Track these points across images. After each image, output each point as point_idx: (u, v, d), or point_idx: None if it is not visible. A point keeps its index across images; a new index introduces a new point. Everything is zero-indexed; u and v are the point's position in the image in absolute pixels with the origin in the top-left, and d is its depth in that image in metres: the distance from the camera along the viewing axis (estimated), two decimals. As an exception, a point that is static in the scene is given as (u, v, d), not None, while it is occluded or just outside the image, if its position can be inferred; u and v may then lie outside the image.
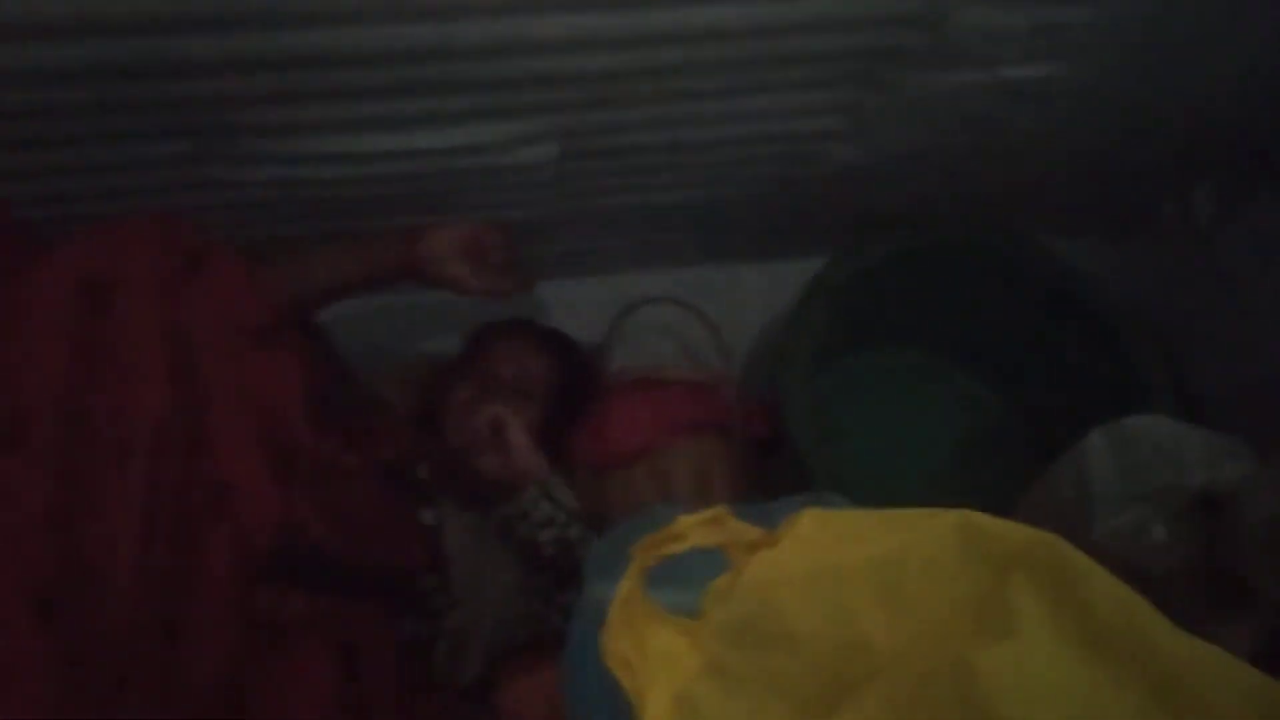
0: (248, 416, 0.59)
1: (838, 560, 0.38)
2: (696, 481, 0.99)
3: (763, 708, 0.34)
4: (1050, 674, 0.33)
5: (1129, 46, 0.80)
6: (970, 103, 0.85)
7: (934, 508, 0.39)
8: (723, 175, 0.98)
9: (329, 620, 0.57)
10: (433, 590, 0.82)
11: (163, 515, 0.52)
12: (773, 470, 1.05)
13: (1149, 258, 1.16)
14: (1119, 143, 0.97)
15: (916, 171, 0.99)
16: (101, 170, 0.78)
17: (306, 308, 0.76)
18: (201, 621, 0.54)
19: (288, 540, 0.56)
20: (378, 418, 0.84)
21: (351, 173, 0.85)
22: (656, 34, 0.71)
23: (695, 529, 0.42)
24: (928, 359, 1.20)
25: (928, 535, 0.37)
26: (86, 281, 0.54)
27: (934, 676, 0.32)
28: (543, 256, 1.11)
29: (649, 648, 0.39)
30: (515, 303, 0.97)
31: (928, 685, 0.32)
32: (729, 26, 0.71)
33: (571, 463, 1.00)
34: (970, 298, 1.12)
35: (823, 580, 0.37)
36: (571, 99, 0.79)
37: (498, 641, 0.83)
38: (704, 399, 1.04)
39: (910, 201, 1.05)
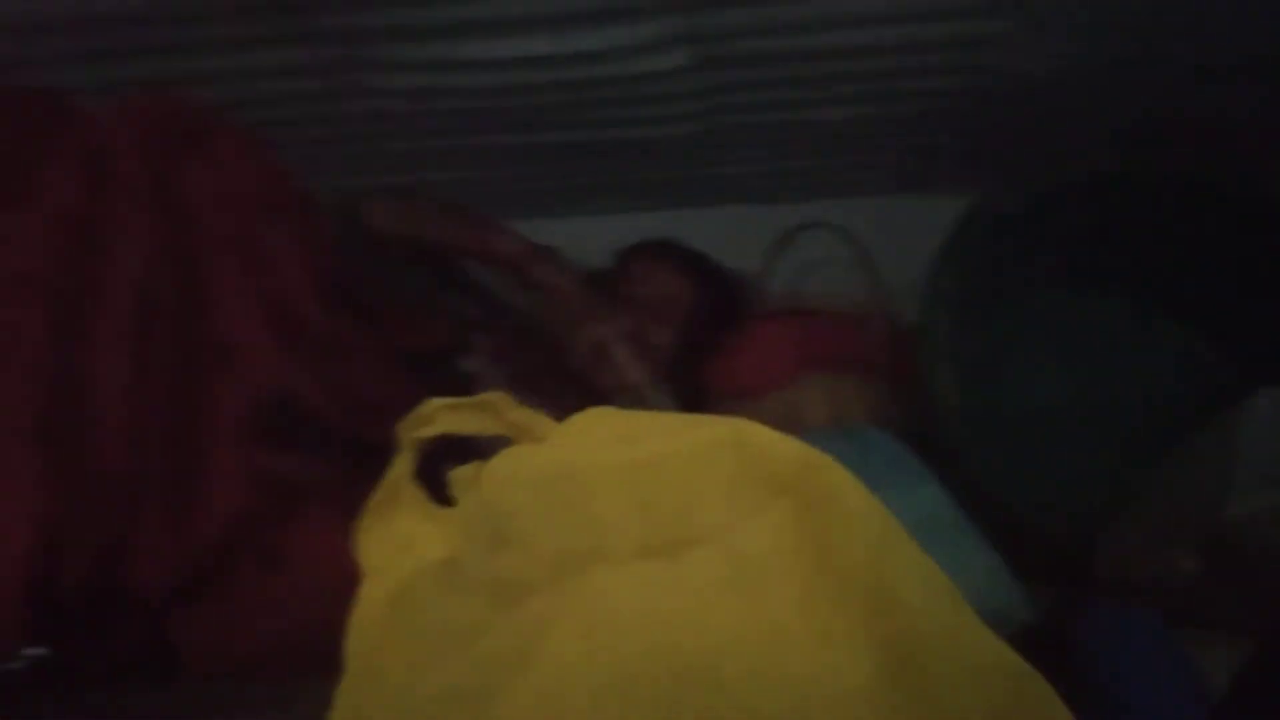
0: (251, 285, 0.61)
1: (591, 460, 0.33)
2: (831, 420, 0.94)
3: (481, 614, 0.31)
4: (784, 622, 0.27)
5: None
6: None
7: (724, 418, 0.34)
8: (878, 90, 0.89)
9: (339, 489, 0.57)
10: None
11: (156, 368, 0.55)
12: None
13: None
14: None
15: (1105, 88, 0.85)
16: (240, 77, 0.83)
17: (402, 246, 0.83)
18: (209, 474, 0.57)
19: (290, 405, 0.58)
20: (416, 310, 0.86)
21: (482, 82, 0.85)
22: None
23: (446, 412, 0.39)
24: (1130, 305, 1.04)
25: (698, 445, 0.32)
26: (88, 152, 0.58)
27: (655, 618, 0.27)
28: (692, 180, 1.08)
29: (393, 531, 0.36)
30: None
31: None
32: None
33: (708, 389, 0.98)
34: (1185, 238, 0.96)
35: (568, 480, 0.33)
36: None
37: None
38: (850, 334, 0.97)
39: (1092, 126, 0.90)
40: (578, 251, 1.14)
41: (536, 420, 0.39)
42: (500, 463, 0.35)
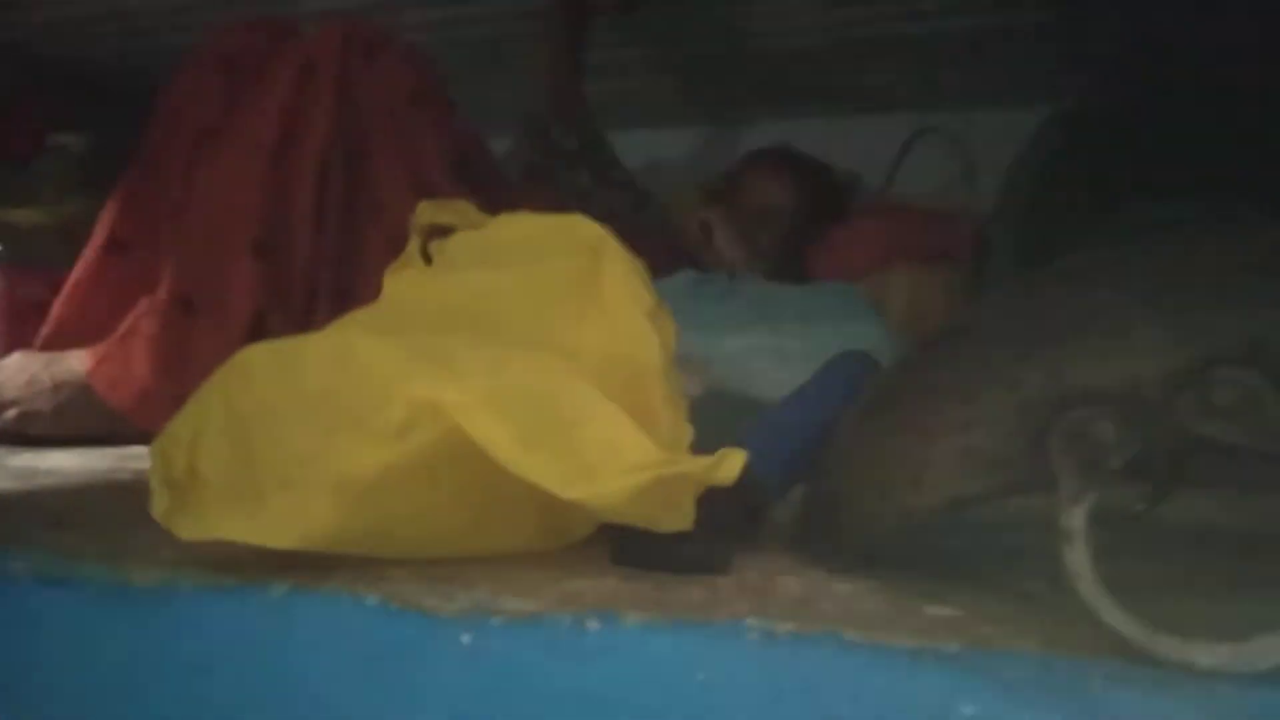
0: (398, 159, 0.80)
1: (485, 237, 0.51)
2: (911, 308, 0.97)
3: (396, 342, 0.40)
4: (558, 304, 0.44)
5: None
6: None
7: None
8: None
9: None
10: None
11: (331, 211, 0.78)
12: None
13: None
14: None
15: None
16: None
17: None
18: (364, 289, 0.73)
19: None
20: (524, 192, 0.95)
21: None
22: None
23: (436, 210, 0.55)
24: (1211, 215, 1.02)
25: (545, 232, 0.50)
26: (301, 59, 0.79)
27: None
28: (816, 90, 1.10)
29: (400, 275, 0.53)
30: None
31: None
32: None
33: (808, 275, 1.05)
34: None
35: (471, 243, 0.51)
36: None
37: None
38: (937, 232, 1.01)
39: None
40: (708, 159, 1.22)
41: (484, 219, 0.54)
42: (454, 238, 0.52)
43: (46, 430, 0.76)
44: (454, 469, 0.35)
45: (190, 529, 0.34)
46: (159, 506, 0.34)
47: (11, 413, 0.75)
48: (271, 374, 0.37)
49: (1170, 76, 0.92)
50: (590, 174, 1.10)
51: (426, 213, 0.54)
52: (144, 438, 0.74)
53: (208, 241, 0.76)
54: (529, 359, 0.38)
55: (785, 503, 0.44)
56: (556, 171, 1.05)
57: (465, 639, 0.31)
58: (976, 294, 0.95)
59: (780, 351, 0.73)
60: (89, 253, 0.83)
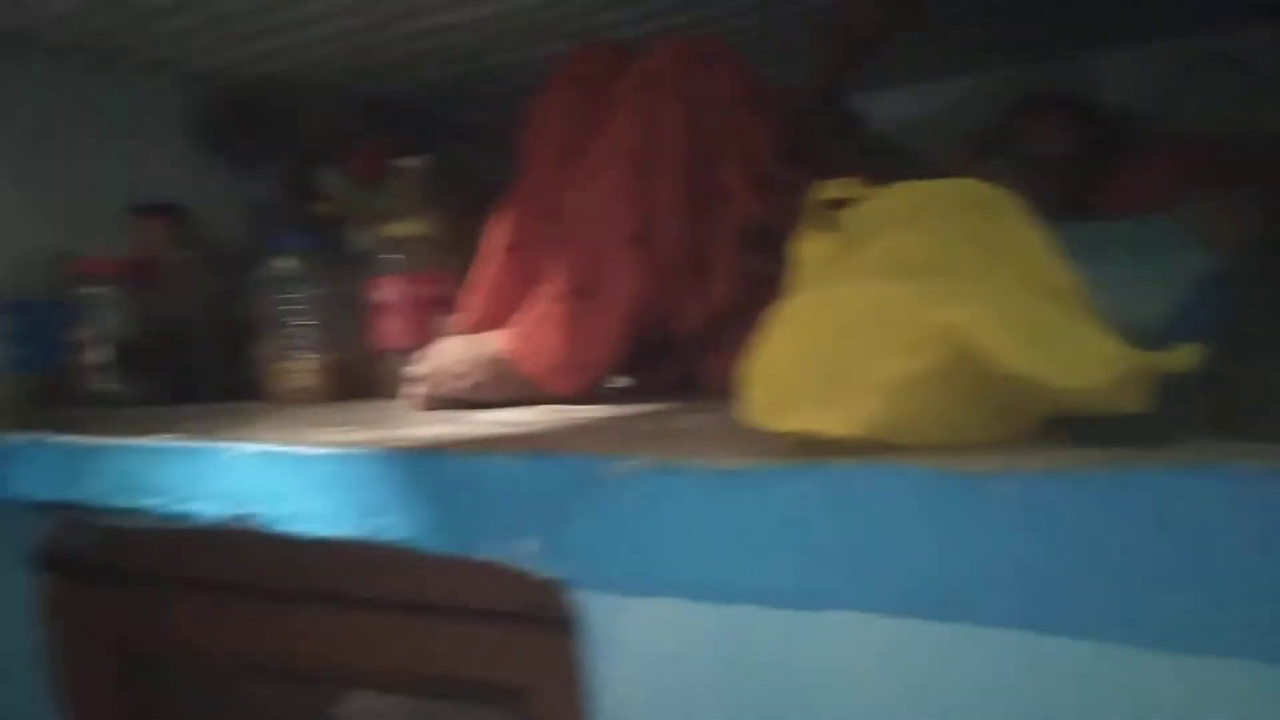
0: (738, 153, 0.93)
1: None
2: (1229, 235, 0.99)
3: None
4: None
5: None
6: None
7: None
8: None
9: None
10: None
11: (693, 201, 0.92)
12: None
13: None
14: None
15: None
16: None
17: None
18: (720, 264, 0.93)
19: (763, 228, 0.88)
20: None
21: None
22: None
23: (827, 187, 0.65)
24: None
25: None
26: (646, 72, 0.94)
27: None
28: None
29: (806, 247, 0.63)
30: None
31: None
32: None
33: (1097, 213, 1.09)
34: None
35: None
36: None
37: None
38: (1233, 160, 1.01)
39: None
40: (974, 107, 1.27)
41: (872, 191, 0.63)
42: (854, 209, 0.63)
43: (484, 396, 0.95)
44: (960, 375, 0.47)
45: (781, 422, 0.48)
46: (762, 410, 0.49)
47: (466, 383, 0.94)
48: (820, 312, 0.50)
49: None
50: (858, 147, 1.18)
51: (821, 189, 0.65)
52: (547, 399, 0.95)
53: (593, 239, 0.93)
54: (997, 290, 0.49)
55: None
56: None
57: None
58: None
59: (1120, 282, 0.80)
60: (496, 254, 1.04)
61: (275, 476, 0.66)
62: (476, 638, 0.69)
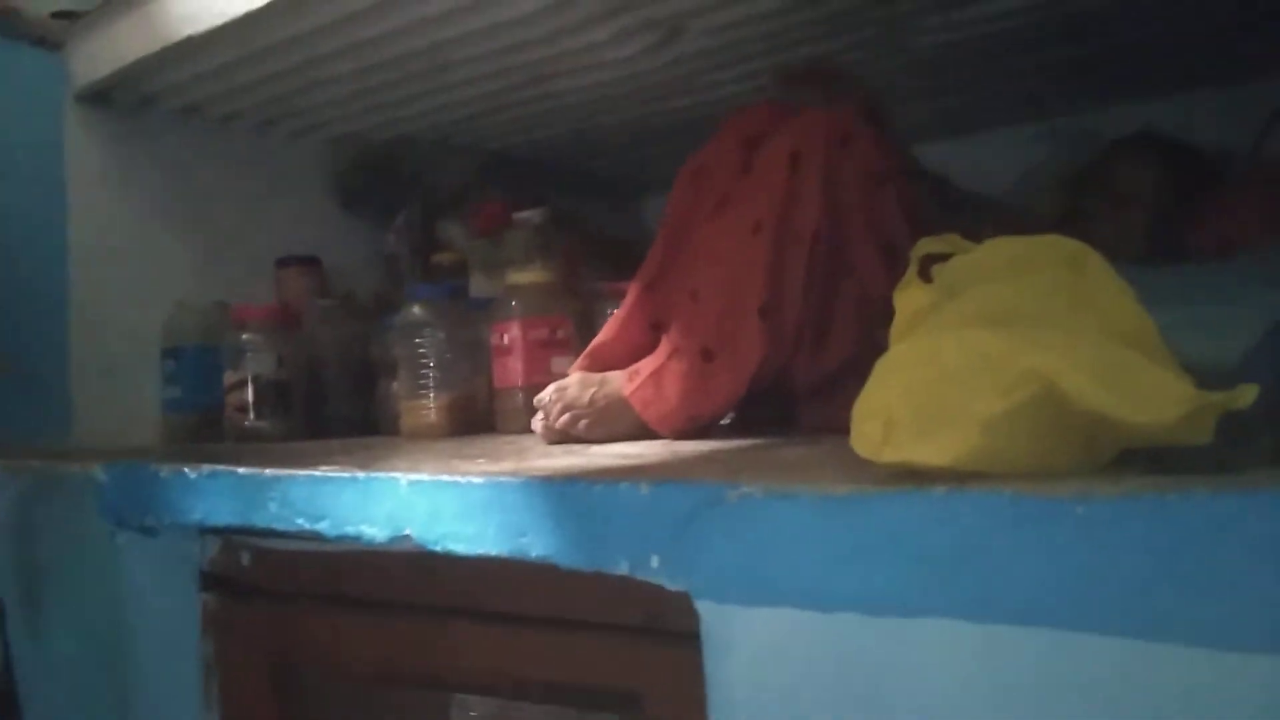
0: (867, 229, 1.00)
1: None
2: None
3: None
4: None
5: None
6: None
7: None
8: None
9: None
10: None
11: (817, 273, 0.99)
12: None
13: None
14: None
15: None
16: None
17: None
18: (838, 329, 1.01)
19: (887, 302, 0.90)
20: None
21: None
22: None
23: (929, 242, 0.70)
24: None
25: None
26: (789, 151, 1.00)
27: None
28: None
29: (908, 296, 0.69)
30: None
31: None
32: None
33: (1189, 250, 1.15)
34: None
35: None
36: None
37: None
38: None
39: None
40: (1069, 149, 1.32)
41: (972, 246, 0.69)
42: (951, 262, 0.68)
43: (600, 434, 1.04)
44: (1046, 412, 0.53)
45: (890, 455, 0.55)
46: (870, 443, 0.56)
47: (586, 420, 1.03)
48: (924, 357, 0.57)
49: None
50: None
51: (923, 245, 0.71)
52: (657, 437, 1.04)
53: (723, 305, 1.01)
54: (1080, 337, 0.55)
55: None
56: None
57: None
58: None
59: (1204, 324, 0.84)
60: (631, 290, 1.13)
61: (431, 501, 0.75)
62: (602, 648, 0.77)
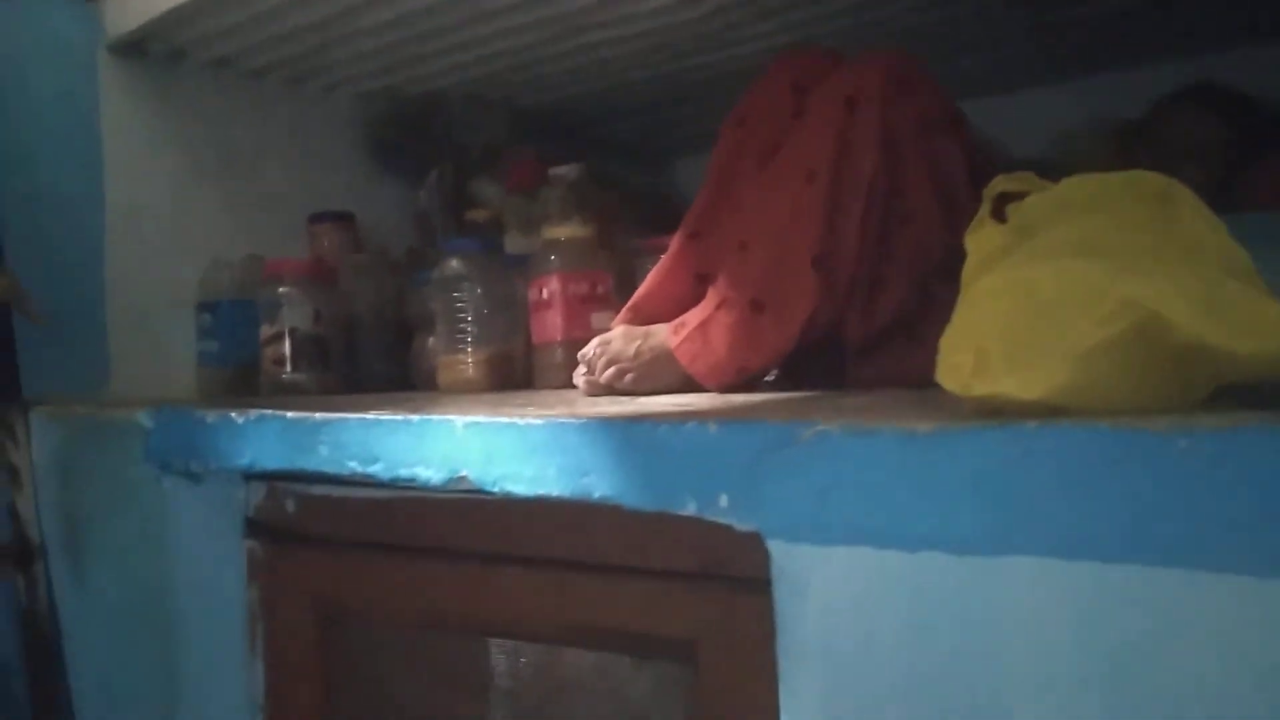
0: (927, 176, 0.96)
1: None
2: None
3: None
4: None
5: None
6: None
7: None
8: None
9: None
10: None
11: (873, 222, 0.96)
12: None
13: None
14: None
15: None
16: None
17: None
18: (893, 281, 0.97)
19: (947, 253, 0.86)
20: None
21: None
22: None
23: (1005, 181, 0.68)
24: None
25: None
26: (845, 95, 0.96)
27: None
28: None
29: (982, 234, 0.66)
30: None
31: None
32: None
33: (1255, 203, 1.13)
34: None
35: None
36: None
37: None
38: None
39: None
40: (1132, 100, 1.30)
41: (1048, 184, 0.67)
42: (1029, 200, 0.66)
43: (645, 386, 1.03)
44: (1142, 344, 0.51)
45: (980, 387, 0.54)
46: (959, 375, 0.55)
47: (631, 372, 1.02)
48: (1015, 288, 0.56)
49: None
50: None
51: (998, 184, 0.69)
52: (702, 389, 1.02)
53: (775, 255, 0.98)
54: (1176, 267, 0.53)
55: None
56: None
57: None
58: None
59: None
60: (675, 240, 1.10)
61: (487, 443, 0.74)
62: (658, 593, 0.76)
